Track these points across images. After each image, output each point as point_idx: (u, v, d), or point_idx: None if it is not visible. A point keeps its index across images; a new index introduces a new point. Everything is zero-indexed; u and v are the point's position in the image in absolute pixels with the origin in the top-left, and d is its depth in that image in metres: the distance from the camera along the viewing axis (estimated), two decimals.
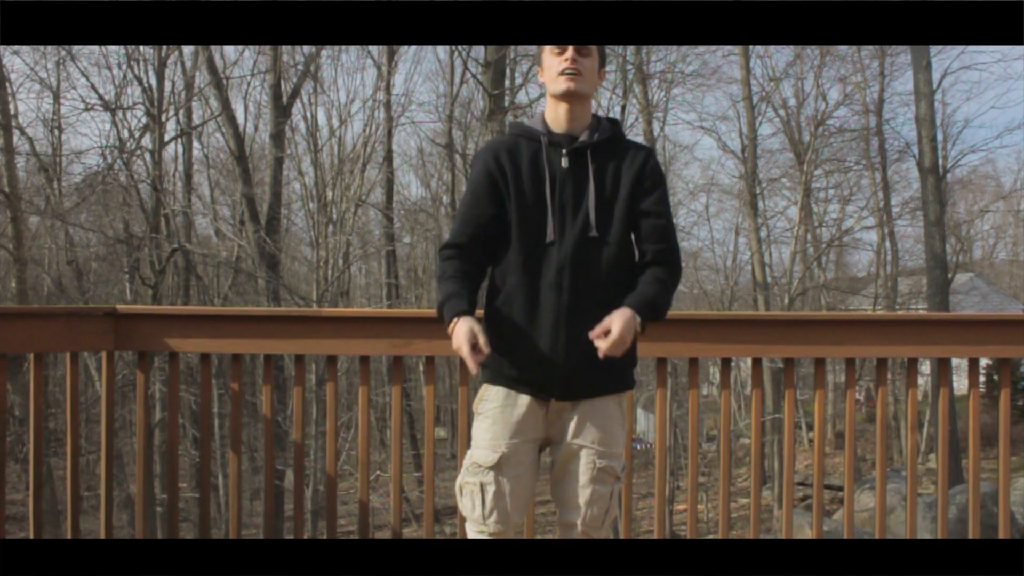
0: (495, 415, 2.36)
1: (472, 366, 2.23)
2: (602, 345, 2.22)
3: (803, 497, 18.31)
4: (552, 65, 2.35)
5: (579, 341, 2.28)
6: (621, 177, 2.38)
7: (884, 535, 3.15)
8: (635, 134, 20.46)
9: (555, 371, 2.31)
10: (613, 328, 2.22)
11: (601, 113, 2.44)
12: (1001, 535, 3.16)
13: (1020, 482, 13.19)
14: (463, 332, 2.24)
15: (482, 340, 2.23)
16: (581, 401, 2.35)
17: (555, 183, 2.35)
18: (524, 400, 2.35)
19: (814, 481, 3.15)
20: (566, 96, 2.35)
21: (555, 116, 2.40)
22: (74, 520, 3.11)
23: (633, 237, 2.41)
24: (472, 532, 2.39)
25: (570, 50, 2.32)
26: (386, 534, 15.08)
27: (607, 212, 2.35)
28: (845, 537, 3.15)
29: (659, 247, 2.39)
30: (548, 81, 2.38)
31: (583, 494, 2.33)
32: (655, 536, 3.29)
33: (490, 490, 2.33)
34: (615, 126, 2.45)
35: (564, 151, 2.36)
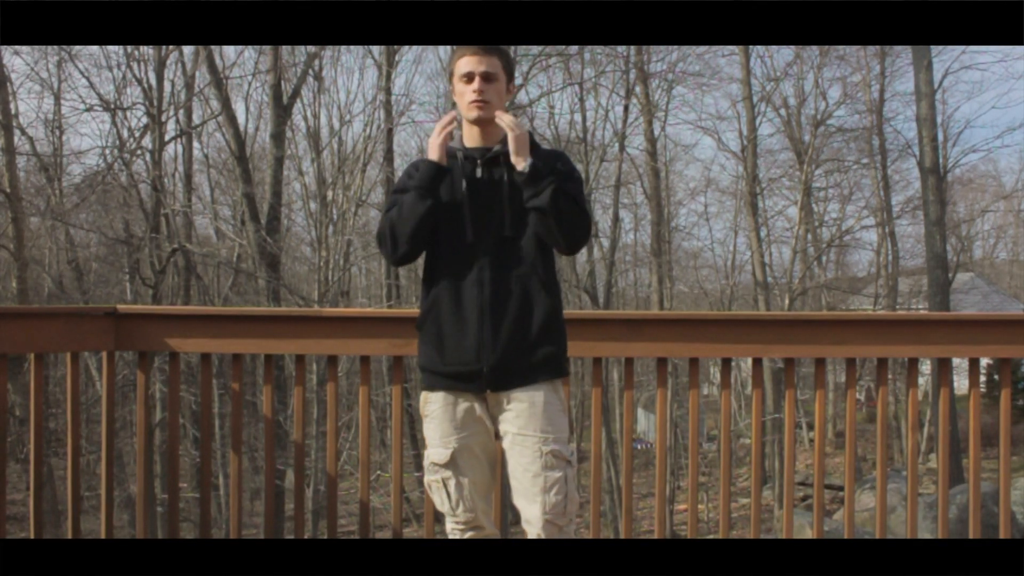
0: (439, 416, 2.51)
1: (446, 122, 2.50)
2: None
3: (803, 497, 18.31)
4: (462, 92, 2.52)
5: (502, 333, 2.45)
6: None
7: (884, 535, 3.15)
8: (636, 134, 20.49)
9: (485, 363, 2.45)
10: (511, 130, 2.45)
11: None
12: (1001, 535, 3.16)
13: (1020, 482, 13.19)
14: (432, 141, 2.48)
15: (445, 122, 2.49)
16: (514, 391, 2.47)
17: (472, 191, 2.52)
18: (463, 398, 2.49)
19: (814, 481, 3.15)
20: (476, 121, 2.52)
21: (470, 134, 2.57)
22: (74, 520, 3.11)
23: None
24: (448, 523, 2.54)
25: (477, 80, 2.48)
26: (386, 534, 15.08)
27: (521, 213, 2.49)
28: (845, 537, 3.15)
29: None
30: (460, 106, 2.56)
31: (537, 483, 2.42)
32: (655, 536, 3.29)
33: (451, 484, 2.49)
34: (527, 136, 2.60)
35: (479, 161, 2.54)
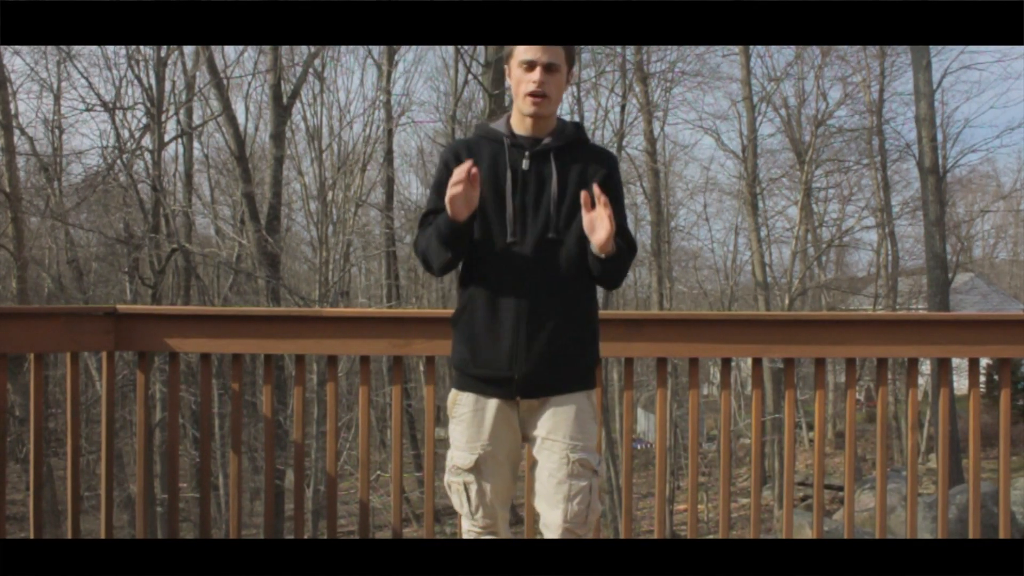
0: (468, 419, 2.42)
1: (461, 173, 2.23)
2: (599, 209, 2.27)
3: (803, 497, 18.32)
4: (520, 80, 2.36)
5: (540, 341, 2.34)
6: (584, 182, 2.39)
7: (884, 535, 3.15)
8: (635, 134, 20.49)
9: (517, 371, 2.35)
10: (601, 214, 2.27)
11: (567, 117, 2.47)
12: (1001, 535, 3.16)
13: (1020, 482, 13.19)
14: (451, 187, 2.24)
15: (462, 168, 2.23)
16: (550, 398, 2.39)
17: (516, 183, 2.37)
18: (493, 403, 2.40)
19: (814, 481, 3.15)
20: (532, 116, 2.38)
21: (520, 121, 2.42)
22: (74, 520, 3.11)
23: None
24: (465, 524, 2.50)
25: (538, 71, 2.32)
26: (386, 534, 15.08)
27: (567, 214, 2.37)
28: (845, 537, 3.15)
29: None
30: (515, 95, 2.40)
31: (561, 490, 2.35)
32: (655, 536, 3.29)
33: (472, 489, 2.42)
34: (579, 130, 2.47)
35: (527, 153, 2.39)
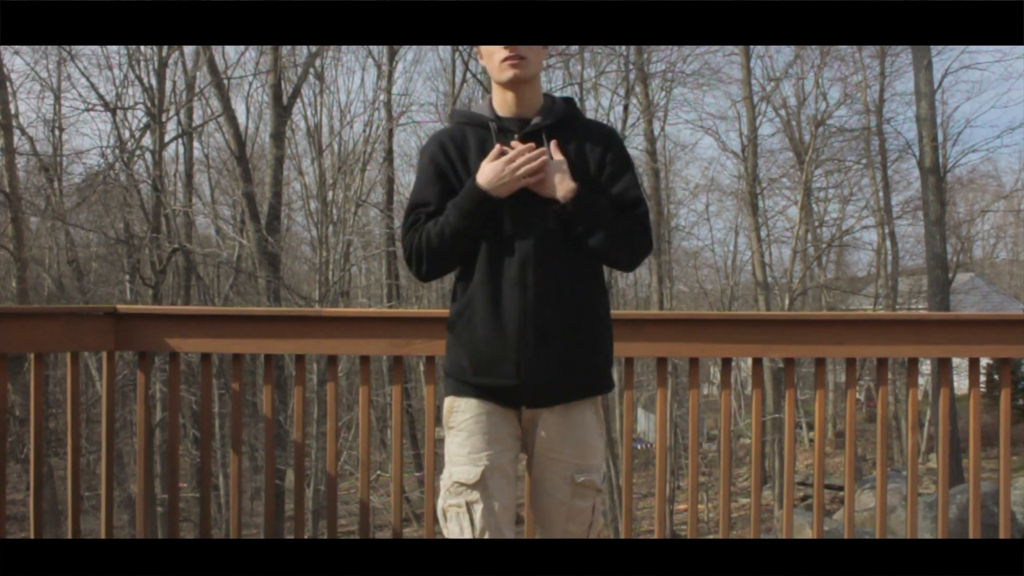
0: (469, 427, 2.18)
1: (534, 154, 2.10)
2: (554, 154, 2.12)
3: (803, 497, 18.31)
4: (492, 51, 2.16)
5: (548, 344, 2.12)
6: (584, 161, 2.19)
7: (884, 535, 3.15)
8: (636, 134, 20.49)
9: (523, 378, 2.13)
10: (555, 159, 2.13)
11: (557, 94, 2.29)
12: (1001, 535, 3.16)
13: (1020, 482, 13.18)
14: (488, 166, 2.10)
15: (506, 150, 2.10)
16: (555, 407, 2.18)
17: None
18: (497, 408, 2.19)
19: (814, 481, 3.15)
20: (512, 83, 2.16)
21: (503, 101, 2.20)
22: (74, 520, 3.11)
23: None
24: None
25: None
26: (386, 534, 15.08)
27: None
28: (845, 537, 3.15)
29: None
30: (491, 69, 2.19)
31: (560, 511, 2.20)
32: (655, 536, 3.29)
33: (478, 509, 2.15)
34: (570, 105, 2.26)
35: (516, 135, 2.17)
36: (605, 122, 2.31)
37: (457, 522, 2.17)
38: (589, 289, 2.20)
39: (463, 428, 2.19)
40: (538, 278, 2.13)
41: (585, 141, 2.21)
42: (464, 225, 2.13)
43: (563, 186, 2.13)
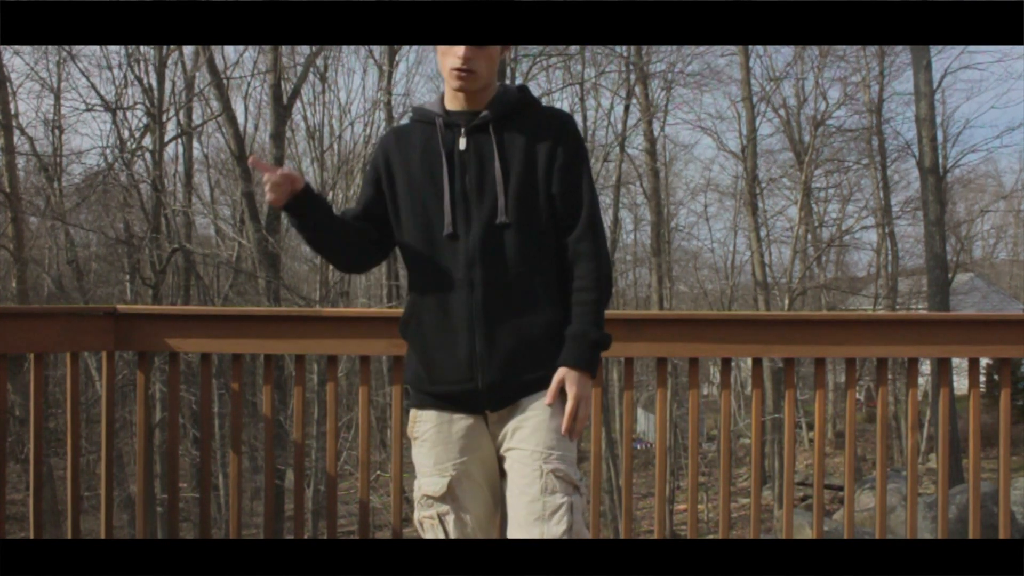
0: (432, 437, 2.13)
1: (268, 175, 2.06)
2: (566, 424, 2.04)
3: (803, 497, 18.33)
4: (446, 53, 2.11)
5: (500, 343, 2.05)
6: (533, 151, 2.11)
7: (884, 535, 3.15)
8: (636, 134, 20.52)
9: (482, 381, 2.07)
10: (569, 397, 2.04)
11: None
12: (1001, 535, 3.16)
13: (1020, 482, 13.19)
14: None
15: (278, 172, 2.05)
16: (520, 402, 2.09)
17: (453, 167, 2.10)
18: (460, 417, 2.12)
19: (814, 481, 3.15)
20: (458, 91, 2.14)
21: (453, 96, 2.15)
22: (74, 520, 3.11)
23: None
24: None
25: (462, 46, 2.07)
26: (386, 534, 15.08)
27: (518, 194, 2.08)
28: (845, 537, 3.15)
29: (579, 247, 2.12)
30: (441, 68, 2.14)
31: (534, 509, 2.02)
32: (655, 536, 3.29)
33: (450, 520, 2.11)
34: (524, 93, 2.19)
35: (462, 130, 2.11)
36: (562, 109, 2.18)
37: (433, 534, 2.15)
38: (543, 283, 2.10)
39: (427, 439, 2.15)
40: (486, 275, 2.07)
41: (537, 130, 2.14)
42: (303, 234, 2.19)
43: (583, 389, 2.08)
